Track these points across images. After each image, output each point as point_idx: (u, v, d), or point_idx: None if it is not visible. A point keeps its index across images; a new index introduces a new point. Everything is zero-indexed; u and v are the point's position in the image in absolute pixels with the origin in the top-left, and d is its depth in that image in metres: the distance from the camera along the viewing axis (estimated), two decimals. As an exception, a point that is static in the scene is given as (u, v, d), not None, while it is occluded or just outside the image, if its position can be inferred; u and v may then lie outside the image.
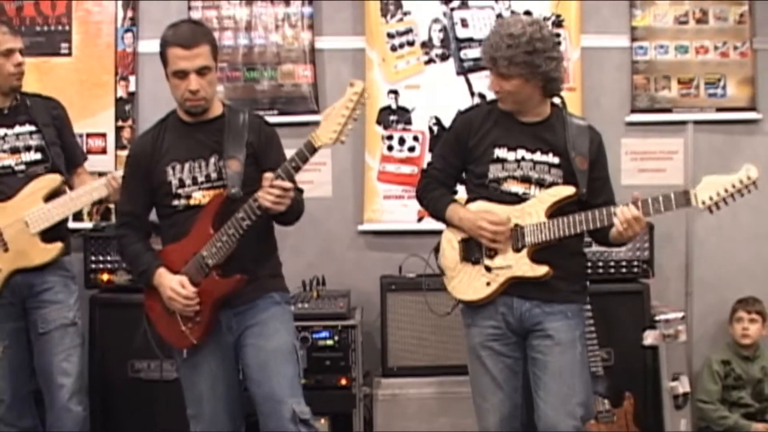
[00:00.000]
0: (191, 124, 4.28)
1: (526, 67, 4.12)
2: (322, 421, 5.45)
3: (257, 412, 4.23)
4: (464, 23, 6.16)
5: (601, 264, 5.64)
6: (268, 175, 4.03)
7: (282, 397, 4.13)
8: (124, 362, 5.63)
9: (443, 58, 6.16)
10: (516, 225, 4.22)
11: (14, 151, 4.89)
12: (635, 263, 5.71)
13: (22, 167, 4.88)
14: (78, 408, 4.85)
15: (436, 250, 4.51)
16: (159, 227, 4.43)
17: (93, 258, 5.78)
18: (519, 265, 4.22)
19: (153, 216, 4.44)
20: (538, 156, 4.26)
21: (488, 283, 4.27)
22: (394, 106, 6.16)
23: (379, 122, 6.13)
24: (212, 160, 4.22)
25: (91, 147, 6.11)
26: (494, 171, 4.27)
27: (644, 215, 4.04)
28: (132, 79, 6.30)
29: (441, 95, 6.17)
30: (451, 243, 4.40)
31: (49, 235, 4.87)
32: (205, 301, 4.17)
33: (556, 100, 4.38)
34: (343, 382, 5.49)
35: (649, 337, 5.54)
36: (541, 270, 4.19)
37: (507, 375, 4.32)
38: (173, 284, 4.17)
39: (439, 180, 4.49)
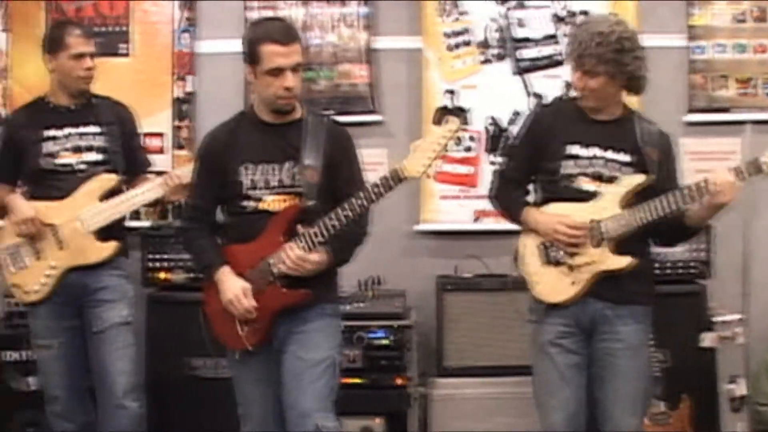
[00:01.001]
0: (269, 125, 4.20)
1: (614, 65, 4.13)
2: (377, 420, 5.46)
3: (285, 419, 4.16)
4: (521, 23, 6.14)
5: (658, 265, 5.58)
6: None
7: (308, 410, 4.05)
8: (180, 360, 5.68)
9: (500, 57, 6.15)
10: (592, 220, 4.19)
11: (76, 150, 4.93)
12: (693, 264, 5.67)
13: (83, 167, 4.92)
14: (133, 405, 4.88)
15: (515, 258, 4.48)
16: (221, 226, 4.40)
17: (150, 256, 5.84)
18: (602, 258, 4.19)
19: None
20: (610, 154, 4.24)
21: (574, 283, 4.25)
22: (450, 106, 6.15)
23: (435, 122, 6.12)
24: (287, 165, 4.14)
25: (149, 147, 6.13)
26: (567, 167, 4.26)
27: (739, 180, 4.04)
28: (189, 79, 6.35)
29: (497, 95, 6.16)
30: (529, 248, 4.37)
31: (104, 234, 4.91)
32: (266, 309, 4.13)
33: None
34: (399, 381, 5.50)
35: (707, 339, 5.50)
36: (625, 260, 4.17)
37: (574, 372, 4.30)
38: (237, 291, 4.12)
39: (513, 181, 4.48)
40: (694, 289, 5.64)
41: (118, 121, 5.07)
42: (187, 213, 4.43)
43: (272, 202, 4.15)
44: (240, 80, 6.27)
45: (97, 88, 5.06)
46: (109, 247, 4.93)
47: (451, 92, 6.15)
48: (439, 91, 6.18)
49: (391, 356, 5.50)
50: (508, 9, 6.16)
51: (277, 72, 4.04)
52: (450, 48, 6.18)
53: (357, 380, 5.44)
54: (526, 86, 6.16)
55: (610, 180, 4.23)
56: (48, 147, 4.91)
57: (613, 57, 4.12)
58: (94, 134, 4.97)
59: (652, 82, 6.06)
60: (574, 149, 4.27)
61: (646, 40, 6.04)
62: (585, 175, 4.25)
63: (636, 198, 4.19)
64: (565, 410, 4.30)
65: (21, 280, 4.90)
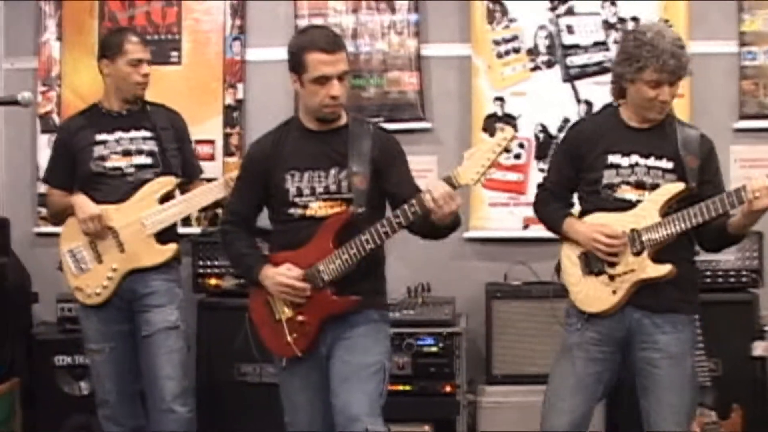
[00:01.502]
0: (314, 132, 4.20)
1: (688, 70, 4.16)
2: (426, 427, 5.47)
3: (334, 424, 4.12)
4: (570, 30, 6.12)
5: (709, 273, 5.56)
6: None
7: (358, 414, 4.02)
8: (230, 365, 5.72)
9: (549, 64, 6.14)
10: (632, 229, 4.17)
11: (126, 153, 4.97)
12: (744, 273, 5.62)
13: (132, 170, 4.96)
14: (182, 409, 4.90)
15: (558, 269, 4.48)
16: (265, 232, 4.41)
17: (201, 263, 5.88)
18: (642, 267, 4.16)
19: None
20: (651, 161, 4.22)
21: (614, 292, 4.22)
22: (500, 113, 6.15)
23: (485, 129, 6.11)
24: (332, 171, 4.14)
25: (200, 154, 6.16)
26: (608, 177, 4.24)
27: None
28: (240, 86, 6.40)
29: (547, 102, 6.14)
30: (570, 259, 4.36)
31: (163, 236, 4.96)
32: (315, 315, 4.13)
33: None
34: (448, 389, 5.50)
35: (758, 348, 5.45)
36: (665, 269, 4.14)
37: (592, 381, 4.29)
38: (281, 270, 4.11)
39: (555, 193, 4.47)
40: (746, 298, 5.58)
41: (171, 127, 5.12)
42: (227, 217, 4.44)
43: (319, 209, 4.15)
44: (289, 88, 6.25)
45: (149, 95, 5.11)
46: (170, 249, 4.98)
47: (501, 99, 6.14)
48: (488, 99, 6.17)
49: (440, 363, 5.51)
50: (558, 16, 6.15)
51: (323, 80, 4.04)
52: (499, 55, 6.17)
53: (405, 387, 5.45)
54: (575, 93, 6.14)
55: (654, 187, 4.20)
56: (99, 151, 4.96)
57: (688, 59, 4.14)
58: (144, 138, 5.02)
59: (703, 88, 6.08)
60: (615, 158, 4.25)
61: (697, 47, 6.07)
62: (627, 183, 4.23)
63: (678, 205, 4.16)
64: (573, 415, 4.29)
65: (83, 283, 4.95)
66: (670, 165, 4.21)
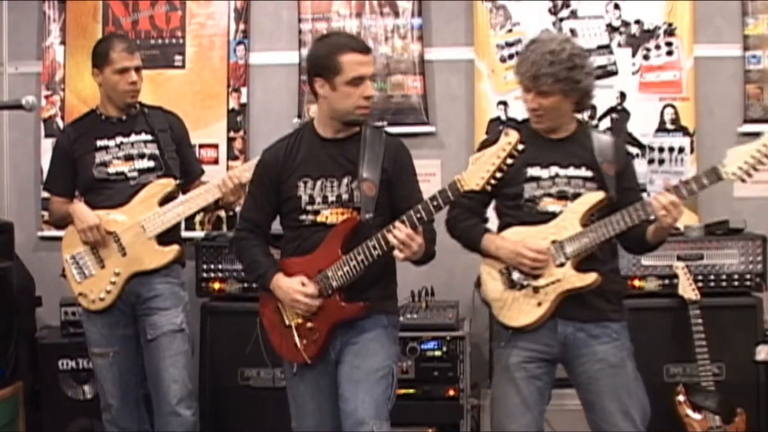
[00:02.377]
0: (328, 140, 4.23)
1: (568, 83, 4.14)
2: (429, 431, 5.47)
3: (342, 427, 4.14)
4: (573, 33, 6.11)
5: (713, 277, 5.55)
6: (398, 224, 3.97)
7: (365, 417, 4.03)
8: (234, 369, 5.72)
9: (553, 68, 6.13)
10: (554, 241, 4.18)
11: (128, 158, 4.98)
12: (747, 277, 5.60)
13: (135, 174, 4.97)
14: (187, 413, 4.89)
15: (477, 284, 4.49)
16: (277, 238, 4.43)
17: (205, 266, 5.87)
18: (567, 277, 4.16)
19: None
20: (571, 171, 4.24)
21: (539, 304, 4.22)
22: (503, 117, 6.15)
23: (488, 133, 6.10)
24: (345, 180, 4.16)
25: (204, 157, 6.21)
26: (529, 190, 4.25)
27: (679, 198, 4.01)
28: (244, 90, 6.40)
29: (550, 106, 6.12)
30: (491, 274, 4.35)
31: (165, 238, 4.95)
32: (324, 321, 4.15)
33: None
34: (451, 392, 5.50)
35: (762, 352, 5.44)
36: (590, 277, 4.15)
37: (537, 398, 4.28)
38: (294, 284, 4.13)
39: (470, 209, 4.42)
40: (749, 302, 5.56)
41: (169, 129, 5.12)
42: (240, 224, 4.44)
43: (330, 215, 4.17)
44: (292, 91, 6.33)
45: (153, 99, 5.13)
46: (172, 251, 4.98)
47: (504, 103, 6.14)
48: (491, 103, 6.18)
49: (444, 367, 5.51)
50: (561, 19, 6.15)
51: (359, 81, 4.08)
52: (502, 59, 6.18)
53: (409, 391, 5.45)
54: (579, 97, 6.13)
55: (576, 197, 4.22)
56: (100, 156, 4.97)
57: (566, 75, 4.12)
58: (145, 142, 5.03)
59: (708, 92, 6.08)
60: (535, 171, 4.26)
61: (702, 50, 6.06)
62: (549, 195, 4.24)
63: (600, 213, 4.19)
64: None
65: (86, 288, 4.95)
66: (589, 173, 4.24)
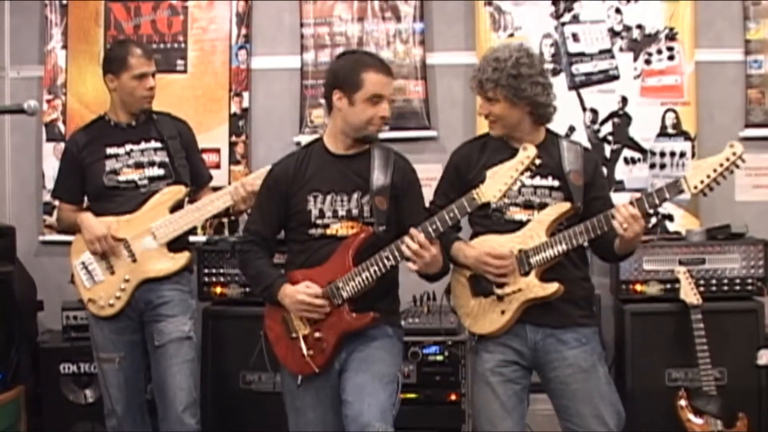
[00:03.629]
0: (337, 156, 4.28)
1: (511, 90, 4.19)
2: (431, 436, 5.48)
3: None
4: (575, 38, 6.13)
5: (714, 282, 5.55)
6: (414, 231, 4.03)
7: (370, 420, 4.02)
8: (236, 374, 5.71)
9: (555, 72, 6.12)
10: (520, 250, 4.21)
11: (138, 166, 4.98)
12: (749, 281, 5.59)
13: (145, 182, 4.97)
14: (191, 421, 4.89)
15: (447, 291, 4.52)
16: (282, 243, 4.46)
17: (206, 271, 5.86)
18: (530, 287, 4.20)
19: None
20: (537, 180, 4.28)
21: (503, 312, 4.26)
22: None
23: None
24: (355, 195, 4.21)
25: (206, 162, 6.19)
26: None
27: (641, 211, 4.02)
28: (245, 95, 6.40)
29: (552, 110, 6.12)
30: (460, 281, 4.41)
31: (175, 245, 4.96)
32: (332, 332, 4.18)
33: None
34: (453, 397, 5.49)
35: (764, 357, 5.43)
36: (552, 287, 4.18)
37: (515, 402, 4.31)
38: (300, 288, 4.16)
39: None
40: (751, 306, 5.55)
41: (178, 135, 5.12)
42: (246, 237, 4.45)
43: (341, 228, 4.21)
44: (294, 95, 6.33)
45: (155, 104, 5.10)
46: (182, 258, 4.98)
47: (506, 108, 6.13)
48: (493, 107, 6.16)
49: (445, 372, 5.50)
50: (563, 24, 6.15)
51: (377, 100, 4.16)
52: (504, 63, 6.17)
53: (411, 396, 5.44)
54: (581, 101, 6.14)
55: (542, 207, 4.27)
56: (111, 164, 4.96)
57: (508, 82, 4.18)
58: (155, 149, 5.02)
59: (709, 96, 6.08)
60: None
61: (703, 54, 6.05)
62: (516, 205, 4.29)
63: (567, 222, 4.24)
64: None
65: (96, 294, 4.94)
66: (556, 183, 4.29)
